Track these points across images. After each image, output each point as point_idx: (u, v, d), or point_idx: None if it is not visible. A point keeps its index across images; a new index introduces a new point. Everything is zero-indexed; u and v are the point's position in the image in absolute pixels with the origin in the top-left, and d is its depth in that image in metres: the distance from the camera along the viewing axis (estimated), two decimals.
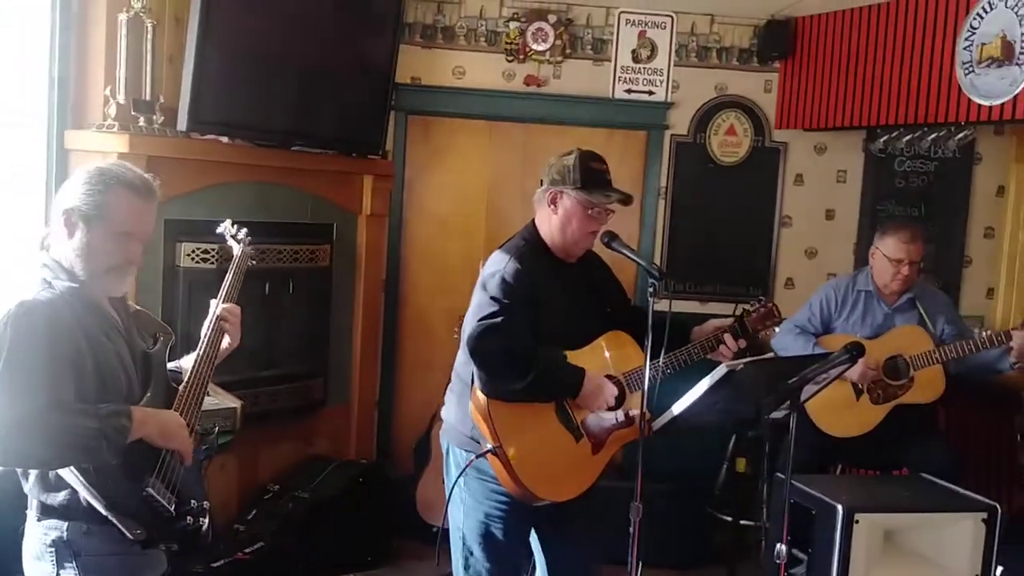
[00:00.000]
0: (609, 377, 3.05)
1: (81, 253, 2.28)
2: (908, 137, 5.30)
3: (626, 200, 3.08)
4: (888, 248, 4.23)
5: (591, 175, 3.03)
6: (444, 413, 3.24)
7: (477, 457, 2.96)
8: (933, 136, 5.20)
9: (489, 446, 2.92)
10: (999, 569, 3.34)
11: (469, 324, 2.95)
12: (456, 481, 3.05)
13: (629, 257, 3.10)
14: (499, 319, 2.89)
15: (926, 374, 4.10)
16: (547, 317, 2.99)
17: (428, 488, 5.02)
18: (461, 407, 3.07)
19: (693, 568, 4.83)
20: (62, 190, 2.32)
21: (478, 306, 2.96)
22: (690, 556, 4.90)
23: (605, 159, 3.12)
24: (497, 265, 3.01)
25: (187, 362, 2.57)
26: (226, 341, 2.61)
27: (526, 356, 2.90)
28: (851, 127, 5.27)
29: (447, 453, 3.19)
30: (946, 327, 4.24)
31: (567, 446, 3.00)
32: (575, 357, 3.01)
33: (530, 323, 2.94)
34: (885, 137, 5.42)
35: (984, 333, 4.75)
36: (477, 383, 2.94)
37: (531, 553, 3.28)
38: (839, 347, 2.82)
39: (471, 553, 3.10)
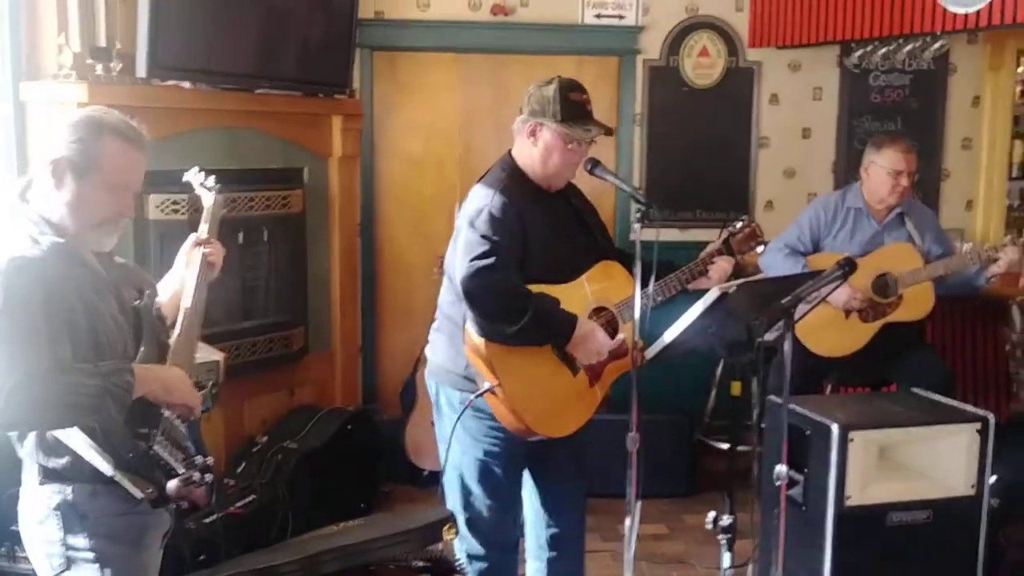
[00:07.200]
0: (601, 309, 3.00)
1: (72, 206, 2.18)
2: (883, 50, 5.24)
3: (608, 132, 3.01)
4: (887, 160, 4.16)
5: (571, 107, 2.94)
6: (430, 353, 3.18)
7: (476, 396, 2.90)
8: (908, 48, 5.15)
9: (487, 385, 2.86)
10: (993, 478, 3.34)
11: (460, 264, 2.85)
12: (456, 422, 2.99)
13: (614, 183, 3.04)
14: (491, 259, 2.80)
15: (915, 291, 4.08)
16: (536, 250, 2.91)
17: (416, 431, 4.98)
18: (452, 346, 3.01)
19: (688, 497, 4.84)
20: (49, 139, 2.21)
21: (468, 245, 2.85)
22: (684, 485, 4.92)
23: (585, 88, 3.02)
24: (483, 200, 2.91)
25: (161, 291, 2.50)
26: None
27: (519, 299, 2.82)
28: (825, 42, 5.20)
29: (436, 394, 3.13)
30: (933, 245, 4.22)
31: (565, 381, 2.96)
32: (563, 290, 2.94)
33: (520, 259, 2.87)
34: (860, 51, 5.37)
35: (966, 246, 4.74)
36: (470, 324, 2.87)
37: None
38: (829, 266, 2.77)
39: (471, 492, 3.06)
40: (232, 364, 4.15)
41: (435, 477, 3.30)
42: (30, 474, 2.25)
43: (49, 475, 2.21)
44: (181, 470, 2.14)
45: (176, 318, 2.46)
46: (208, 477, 2.18)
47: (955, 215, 5.69)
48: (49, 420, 2.10)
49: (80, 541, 2.22)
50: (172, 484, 2.12)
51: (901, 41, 5.03)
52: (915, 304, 4.10)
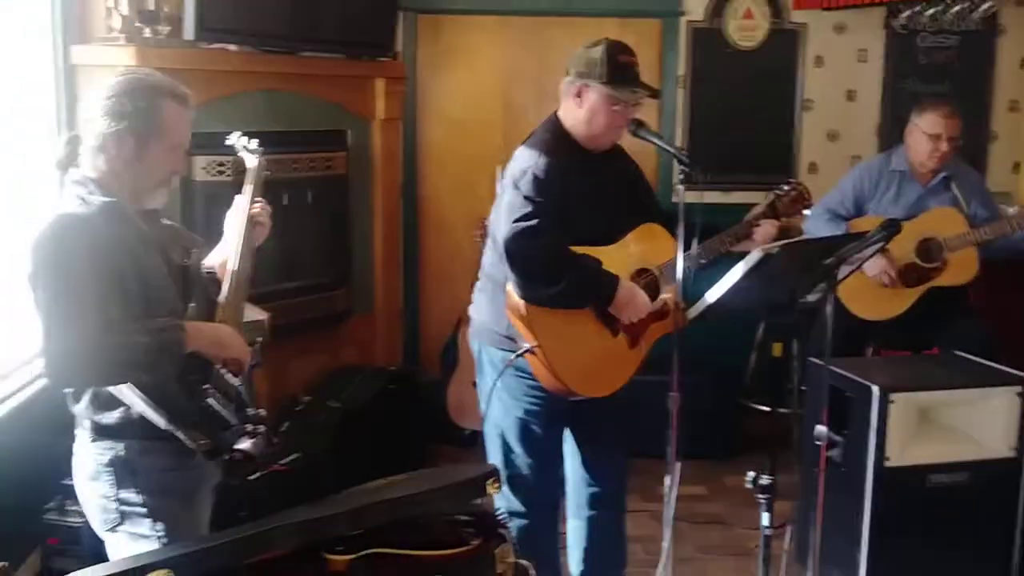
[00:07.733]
0: (644, 270, 3.01)
1: (135, 169, 2.23)
2: (931, 11, 5.17)
3: (654, 95, 3.01)
4: (926, 123, 4.14)
5: (619, 69, 2.93)
6: (473, 312, 3.21)
7: (517, 356, 2.93)
8: (956, 9, 5.07)
9: (527, 345, 2.89)
10: None
11: (503, 225, 2.86)
12: (496, 381, 3.03)
13: (657, 144, 3.05)
14: (534, 221, 2.81)
15: (959, 256, 4.06)
16: (579, 212, 2.92)
17: (458, 391, 5.03)
18: (493, 306, 3.04)
19: (727, 459, 4.86)
20: (101, 103, 2.21)
21: (511, 206, 2.86)
22: (724, 448, 4.93)
23: (634, 50, 3.01)
24: (526, 161, 2.91)
25: (212, 260, 2.55)
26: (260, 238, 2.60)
27: (561, 261, 2.84)
28: (872, 4, 5.13)
29: (479, 353, 3.17)
30: (979, 209, 4.18)
31: (604, 341, 2.98)
32: (606, 252, 2.96)
33: (564, 221, 2.87)
34: (907, 12, 5.29)
35: (1011, 210, 4.69)
36: (511, 285, 2.89)
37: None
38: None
39: (511, 450, 3.10)
40: (275, 325, 4.21)
41: (476, 437, 3.34)
42: (82, 431, 2.31)
43: (101, 432, 2.26)
44: (234, 422, 2.19)
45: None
46: (261, 429, 2.24)
47: (1002, 178, 5.61)
48: (103, 378, 2.15)
49: (132, 496, 2.27)
50: (247, 443, 2.19)
51: (949, 2, 4.96)
52: (960, 269, 4.08)
